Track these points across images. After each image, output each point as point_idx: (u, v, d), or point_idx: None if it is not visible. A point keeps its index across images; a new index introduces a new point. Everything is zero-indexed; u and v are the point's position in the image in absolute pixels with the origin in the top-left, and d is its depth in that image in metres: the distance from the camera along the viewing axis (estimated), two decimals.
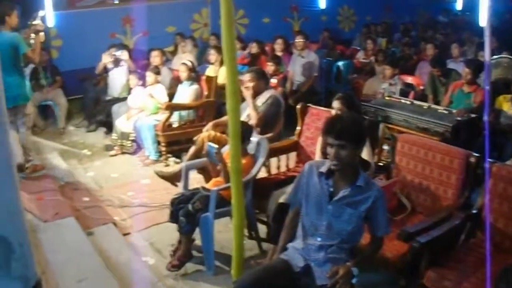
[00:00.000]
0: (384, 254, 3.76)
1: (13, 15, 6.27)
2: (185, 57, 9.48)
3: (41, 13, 6.79)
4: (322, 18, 13.10)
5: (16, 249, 2.86)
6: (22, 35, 6.61)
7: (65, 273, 4.35)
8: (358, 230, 3.34)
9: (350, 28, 14.07)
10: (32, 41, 6.55)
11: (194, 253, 4.82)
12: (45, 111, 9.51)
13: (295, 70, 9.09)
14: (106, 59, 8.93)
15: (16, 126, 6.41)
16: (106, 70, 9.08)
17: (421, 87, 8.07)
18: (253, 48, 10.17)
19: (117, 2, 11.33)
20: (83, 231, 5.17)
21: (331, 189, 3.32)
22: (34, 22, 6.61)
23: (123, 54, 8.85)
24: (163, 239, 5.22)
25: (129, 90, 8.49)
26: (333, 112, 4.91)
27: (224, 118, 6.08)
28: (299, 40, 9.23)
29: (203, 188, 4.88)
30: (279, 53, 9.63)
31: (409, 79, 8.27)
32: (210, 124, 6.37)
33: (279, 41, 9.91)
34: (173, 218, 4.75)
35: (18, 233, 2.91)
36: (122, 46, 9.42)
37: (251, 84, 6.01)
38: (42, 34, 6.63)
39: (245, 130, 4.43)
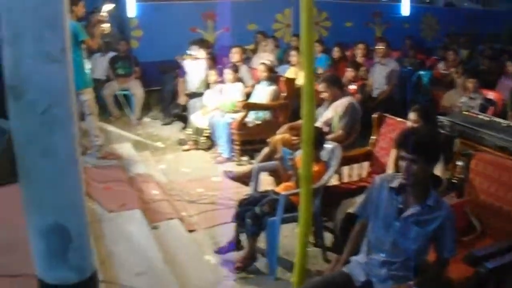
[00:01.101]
0: (449, 276, 3.55)
1: (80, 5, 6.36)
2: (265, 57, 9.41)
3: (107, 6, 6.84)
4: (404, 26, 12.72)
5: (74, 239, 2.82)
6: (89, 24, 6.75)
7: (124, 265, 4.30)
8: (423, 249, 3.23)
9: (432, 37, 13.58)
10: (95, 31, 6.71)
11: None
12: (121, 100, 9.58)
13: (375, 78, 8.86)
14: (184, 63, 8.93)
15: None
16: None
17: (502, 103, 7.67)
18: (336, 52, 9.98)
19: None
20: (148, 225, 5.11)
21: (400, 206, 3.21)
22: (100, 13, 6.74)
23: (200, 53, 8.81)
24: (228, 239, 5.10)
25: (207, 86, 8.45)
26: (409, 124, 4.76)
27: (299, 122, 5.94)
28: (380, 47, 8.99)
29: (273, 191, 4.80)
30: (360, 59, 9.40)
31: (490, 94, 7.87)
32: (285, 126, 6.27)
33: (361, 46, 9.70)
34: (238, 218, 4.69)
35: (78, 223, 2.87)
36: (202, 41, 9.39)
37: (325, 94, 5.92)
38: (105, 25, 6.72)
39: (319, 136, 4.32)
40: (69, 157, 2.67)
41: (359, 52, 9.68)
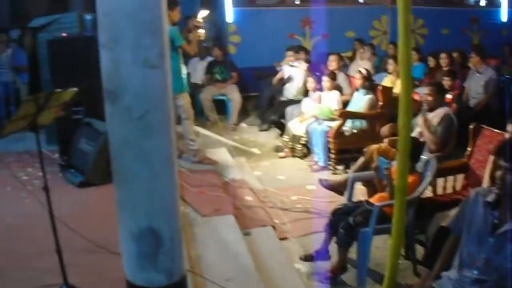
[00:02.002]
0: None
1: (176, 11, 6.44)
2: (362, 64, 9.26)
3: (203, 11, 6.92)
4: (503, 33, 12.21)
5: (166, 243, 2.85)
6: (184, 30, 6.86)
7: (214, 270, 4.30)
8: None
9: None
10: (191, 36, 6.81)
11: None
12: (218, 106, 9.67)
13: (471, 86, 8.51)
14: (283, 72, 8.94)
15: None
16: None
17: None
18: (430, 62, 9.70)
19: (297, 2, 11.34)
20: (240, 231, 5.12)
21: (496, 221, 3.04)
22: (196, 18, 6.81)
23: (302, 65, 8.79)
24: (318, 248, 5.04)
25: (305, 93, 8.41)
26: (507, 135, 4.55)
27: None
28: (473, 56, 8.64)
29: (367, 202, 4.70)
30: (446, 68, 9.08)
31: None
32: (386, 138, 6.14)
33: (457, 54, 9.36)
34: (330, 227, 4.62)
35: (170, 227, 2.89)
36: (300, 48, 9.36)
37: (429, 98, 5.74)
38: (201, 31, 6.78)
39: (416, 147, 4.22)
40: (165, 161, 2.70)
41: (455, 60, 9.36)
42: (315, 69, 8.87)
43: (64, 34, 7.37)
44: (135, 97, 2.56)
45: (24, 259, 4.35)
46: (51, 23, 8.12)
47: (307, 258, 4.80)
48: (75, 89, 3.43)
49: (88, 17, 8.04)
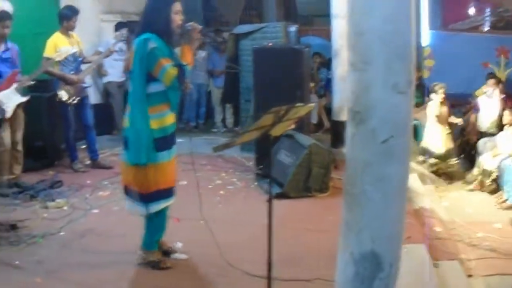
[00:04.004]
0: None
1: None
2: None
3: None
4: None
5: (385, 268, 2.80)
6: None
7: None
8: None
9: None
10: None
11: None
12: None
13: None
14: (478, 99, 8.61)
15: None
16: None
17: None
18: None
19: (492, 29, 10.88)
20: (431, 262, 4.99)
21: None
22: None
23: (497, 96, 8.43)
24: None
25: (499, 126, 8.08)
26: None
27: None
28: None
29: None
30: None
31: None
32: None
33: None
34: None
35: (392, 254, 2.84)
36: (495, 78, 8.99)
37: None
38: None
39: None
40: (399, 187, 2.67)
41: None
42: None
43: (269, 44, 7.58)
44: (381, 121, 2.54)
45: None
46: (255, 31, 8.40)
47: None
48: (312, 104, 3.49)
49: (292, 28, 8.22)
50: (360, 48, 2.60)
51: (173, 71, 4.13)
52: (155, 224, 4.48)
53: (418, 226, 5.74)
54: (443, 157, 8.03)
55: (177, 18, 4.25)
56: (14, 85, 6.57)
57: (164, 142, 4.28)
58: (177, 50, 4.37)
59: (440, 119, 7.97)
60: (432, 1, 10.54)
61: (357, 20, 2.63)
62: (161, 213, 4.45)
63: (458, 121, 8.54)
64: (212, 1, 13.93)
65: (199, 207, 4.55)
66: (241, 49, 8.80)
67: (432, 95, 8.09)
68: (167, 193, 4.39)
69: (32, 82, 6.76)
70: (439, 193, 7.44)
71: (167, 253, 4.72)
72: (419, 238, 5.35)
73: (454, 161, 8.29)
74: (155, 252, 4.55)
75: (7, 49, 6.61)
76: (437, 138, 7.84)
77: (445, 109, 8.18)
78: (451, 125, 8.56)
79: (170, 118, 4.34)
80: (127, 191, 4.50)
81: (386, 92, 2.53)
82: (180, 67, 4.21)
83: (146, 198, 4.32)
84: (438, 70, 10.11)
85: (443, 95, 7.95)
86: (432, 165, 7.84)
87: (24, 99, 6.71)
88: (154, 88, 4.21)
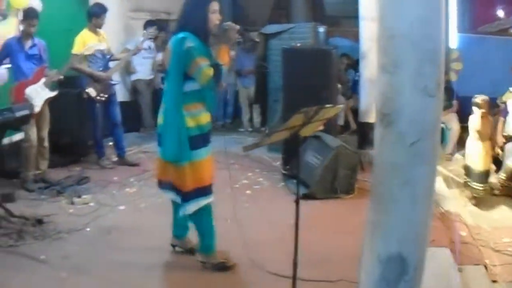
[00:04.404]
0: None
1: None
2: None
3: None
4: None
5: (410, 271, 2.81)
6: None
7: None
8: None
9: None
10: None
11: None
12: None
13: None
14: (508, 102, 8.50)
15: None
16: None
17: None
18: None
19: None
20: (456, 266, 4.97)
21: None
22: None
23: None
24: None
25: None
26: None
27: None
28: None
29: None
30: None
31: None
32: None
33: None
34: None
35: (418, 256, 2.85)
36: None
37: None
38: None
39: None
40: (427, 190, 2.68)
41: None
42: None
43: (298, 44, 7.58)
44: (410, 124, 2.56)
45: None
46: (284, 31, 8.40)
47: None
48: (341, 106, 3.51)
49: (320, 29, 8.22)
50: (390, 51, 2.62)
51: (208, 71, 4.11)
52: (203, 225, 4.48)
53: (443, 230, 5.70)
54: (481, 176, 7.78)
55: (214, 18, 4.26)
56: (43, 80, 6.68)
57: (200, 140, 4.27)
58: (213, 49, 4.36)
59: (481, 135, 7.76)
60: (461, 4, 10.44)
61: (388, 23, 2.65)
62: (205, 213, 4.43)
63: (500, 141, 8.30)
64: (240, 0, 13.94)
65: (228, 206, 4.56)
66: (270, 49, 8.82)
67: (474, 108, 7.87)
68: (205, 191, 4.36)
69: (61, 77, 6.84)
70: (465, 197, 7.35)
71: (191, 251, 4.75)
72: (444, 242, 5.33)
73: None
74: (214, 254, 4.54)
75: (33, 45, 6.72)
76: (476, 155, 7.62)
77: (486, 124, 7.94)
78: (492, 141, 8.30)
79: (205, 117, 4.33)
80: (161, 184, 4.54)
81: (415, 95, 2.55)
82: (216, 66, 4.21)
83: (185, 197, 4.32)
84: (466, 73, 10.01)
85: (484, 110, 7.71)
86: (474, 190, 7.61)
87: (52, 94, 6.81)
88: (190, 86, 4.20)
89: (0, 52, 6.62)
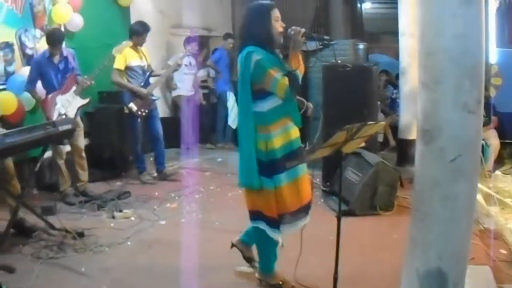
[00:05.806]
0: None
1: None
2: None
3: None
4: None
5: (449, 287, 2.83)
6: None
7: None
8: None
9: None
10: None
11: None
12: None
13: None
14: None
15: None
16: None
17: None
18: None
19: None
20: (495, 284, 4.91)
21: None
22: None
23: None
24: None
25: None
26: None
27: None
28: None
29: None
30: None
31: None
32: None
33: None
34: None
35: (458, 272, 2.85)
36: None
37: None
38: None
39: None
40: (467, 206, 2.69)
41: None
42: None
43: (339, 61, 7.56)
44: (450, 140, 2.58)
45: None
46: (324, 48, 8.39)
47: None
48: (383, 123, 3.54)
49: (360, 46, 8.21)
50: (431, 68, 2.65)
51: (284, 81, 3.86)
52: (262, 245, 4.34)
53: (483, 247, 5.64)
54: None
55: (278, 25, 4.00)
56: (73, 88, 6.74)
57: (277, 165, 4.00)
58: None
59: None
60: (499, 18, 10.34)
61: (428, 40, 2.67)
62: (269, 239, 4.20)
63: None
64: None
65: None
66: (310, 66, 8.82)
67: None
68: (296, 215, 4.15)
69: (93, 82, 6.84)
70: (505, 215, 7.24)
71: (249, 260, 4.63)
72: (484, 260, 5.27)
73: None
74: (273, 275, 4.39)
75: (62, 58, 6.76)
76: None
77: None
78: None
79: (289, 135, 4.07)
80: (252, 216, 4.26)
81: (455, 111, 2.57)
82: (290, 74, 3.93)
83: (274, 222, 4.11)
84: (507, 89, 9.89)
85: None
86: None
87: (84, 101, 6.87)
88: (267, 105, 3.97)
89: (33, 71, 6.69)
